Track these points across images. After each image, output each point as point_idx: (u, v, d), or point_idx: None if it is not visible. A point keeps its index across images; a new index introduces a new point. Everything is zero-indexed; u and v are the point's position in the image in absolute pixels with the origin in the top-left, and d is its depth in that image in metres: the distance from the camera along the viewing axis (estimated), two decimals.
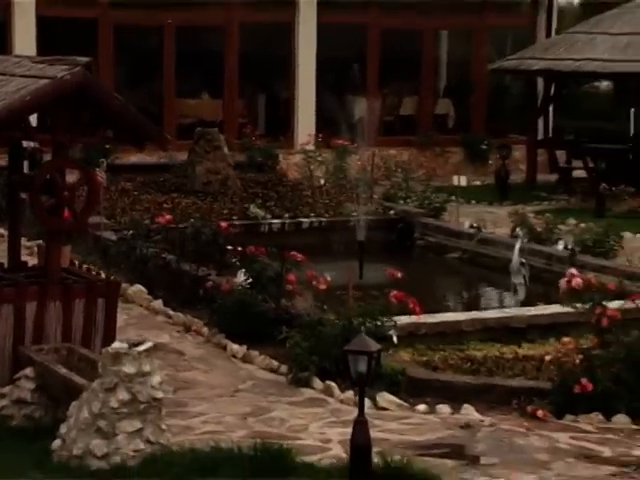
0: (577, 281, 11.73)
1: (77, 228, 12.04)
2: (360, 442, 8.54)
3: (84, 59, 10.58)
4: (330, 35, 26.30)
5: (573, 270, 12.19)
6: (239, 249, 14.07)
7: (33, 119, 11.38)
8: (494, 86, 28.79)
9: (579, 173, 25.44)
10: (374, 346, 8.56)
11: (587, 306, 11.40)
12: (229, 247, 14.72)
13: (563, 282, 11.89)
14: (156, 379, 9.36)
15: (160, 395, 9.37)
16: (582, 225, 19.23)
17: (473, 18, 27.94)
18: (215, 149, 20.93)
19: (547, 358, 11.50)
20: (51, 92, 10.33)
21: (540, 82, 26.55)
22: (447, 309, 15.15)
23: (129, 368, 9.19)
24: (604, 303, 11.42)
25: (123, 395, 9.18)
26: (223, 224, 15.48)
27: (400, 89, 28.34)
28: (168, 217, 15.97)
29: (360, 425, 8.59)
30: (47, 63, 10.86)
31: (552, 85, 26.48)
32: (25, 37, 23.04)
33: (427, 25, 27.75)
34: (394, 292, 12.24)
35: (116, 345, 9.52)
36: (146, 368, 9.28)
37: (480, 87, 28.34)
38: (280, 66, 26.85)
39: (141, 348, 9.34)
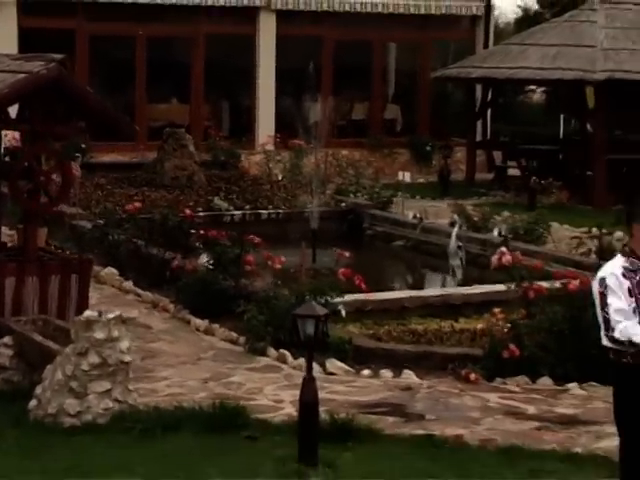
0: (507, 258, 11.90)
1: (52, 210, 12.04)
2: (308, 399, 8.58)
3: (59, 56, 10.63)
4: (288, 46, 26.38)
5: (503, 249, 12.36)
6: (202, 233, 14.10)
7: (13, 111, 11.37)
8: (437, 93, 28.82)
9: (514, 172, 25.54)
10: (321, 310, 8.64)
11: (515, 282, 11.57)
12: (193, 231, 14.76)
13: (494, 259, 12.06)
14: (124, 344, 9.42)
15: (128, 359, 9.44)
16: (515, 216, 19.38)
17: (418, 31, 28.01)
18: (182, 147, 20.98)
19: (479, 327, 11.61)
20: (28, 85, 10.38)
21: (478, 89, 26.60)
22: (392, 289, 15.24)
23: (99, 334, 9.25)
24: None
25: (94, 359, 9.24)
26: (187, 211, 15.54)
27: (352, 95, 28.37)
28: (137, 204, 16.02)
29: (308, 383, 8.63)
30: (24, 60, 10.92)
31: (489, 91, 26.60)
32: (7, 46, 22.93)
33: (377, 37, 27.76)
34: (342, 269, 12.36)
35: (87, 313, 9.60)
36: (115, 334, 9.35)
37: (424, 94, 28.37)
38: (242, 74, 26.84)
39: (110, 316, 9.43)
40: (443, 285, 15.68)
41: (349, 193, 20.93)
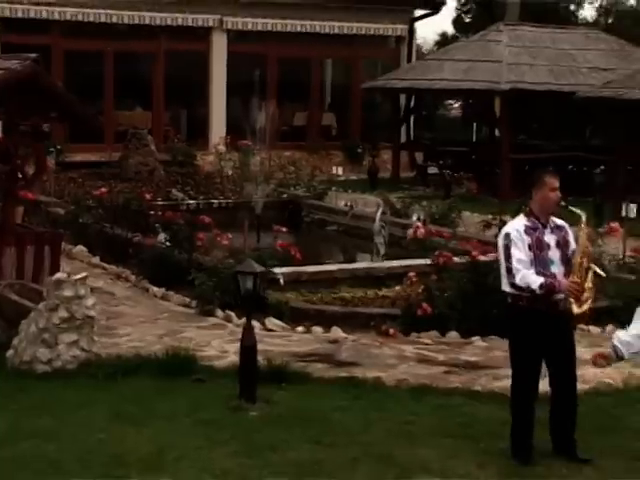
0: (421, 231, 12.10)
1: (28, 189, 12.06)
2: (248, 344, 8.70)
3: (33, 55, 10.66)
4: (237, 61, 26.43)
5: (418, 223, 12.54)
6: (160, 214, 14.16)
7: None
8: (367, 102, 28.92)
9: (433, 170, 25.77)
10: (259, 268, 8.78)
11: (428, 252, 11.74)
12: (152, 212, 14.80)
13: (410, 232, 12.24)
14: (90, 301, 9.49)
15: (92, 313, 9.50)
16: (432, 205, 19.55)
17: (351, 50, 28.04)
18: (144, 146, 21.02)
19: (397, 288, 11.72)
20: (6, 80, 10.40)
21: (403, 98, 26.77)
22: (325, 263, 15.34)
23: (68, 292, 9.31)
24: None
25: (63, 313, 9.30)
26: (147, 196, 15.56)
27: (293, 105, 28.41)
28: (103, 190, 16.03)
29: (248, 331, 8.76)
30: (3, 59, 10.94)
31: (411, 100, 26.79)
32: None
33: (315, 55, 27.81)
34: (279, 242, 12.48)
35: (58, 275, 9.66)
36: (81, 292, 9.41)
37: (356, 103, 28.44)
38: (197, 85, 26.79)
39: (77, 277, 9.49)
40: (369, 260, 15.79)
41: (290, 186, 20.96)
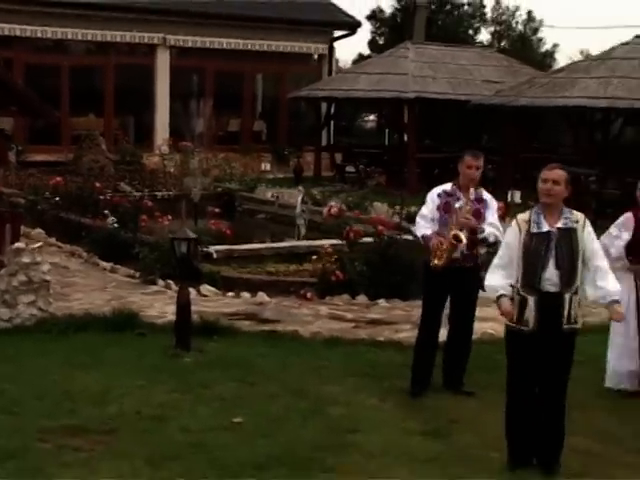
0: (334, 209, 12.32)
1: None
2: (182, 301, 8.84)
3: None
4: (179, 74, 26.42)
5: (332, 203, 12.75)
6: (108, 199, 14.22)
7: None
8: (293, 111, 29.11)
9: (350, 169, 26.01)
10: (192, 235, 8.94)
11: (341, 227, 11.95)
12: (102, 197, 14.85)
13: (325, 210, 12.45)
14: (45, 267, 9.57)
15: (48, 278, 9.57)
16: (349, 198, 19.79)
17: (279, 65, 28.04)
18: (96, 146, 20.96)
19: (314, 258, 11.88)
20: None
21: (324, 107, 26.99)
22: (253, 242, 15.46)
23: (26, 259, 9.38)
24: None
25: (22, 277, 9.37)
26: (97, 184, 15.58)
27: (228, 113, 28.47)
28: (58, 179, 16.01)
29: (182, 290, 8.90)
30: None
31: (331, 108, 26.99)
32: None
33: (248, 69, 27.87)
34: (212, 221, 12.61)
35: (17, 244, 9.72)
36: (38, 259, 9.49)
37: (283, 112, 28.59)
38: (144, 95, 26.72)
39: (34, 246, 9.57)
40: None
41: (224, 181, 21.12)
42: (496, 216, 7.88)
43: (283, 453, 6.49)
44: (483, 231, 7.70)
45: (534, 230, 6.35)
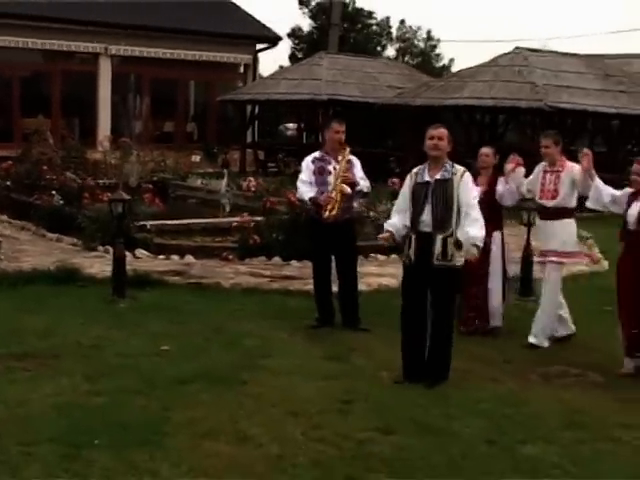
0: (252, 183, 12.55)
1: None
2: (118, 255, 9.02)
3: None
4: (119, 80, 26.22)
5: (250, 178, 12.98)
6: (54, 178, 14.20)
7: None
8: (221, 113, 29.18)
9: (271, 165, 26.25)
10: (126, 197, 9.10)
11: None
12: (48, 177, 14.80)
13: (244, 184, 12.67)
14: None
15: None
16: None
17: (210, 73, 28.13)
18: (44, 140, 20.77)
19: (234, 224, 12.02)
20: None
21: (248, 109, 27.14)
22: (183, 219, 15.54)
23: None
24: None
25: None
26: (44, 167, 15.53)
27: (164, 115, 28.40)
28: (9, 163, 15.92)
29: (118, 245, 9.06)
30: None
31: (255, 109, 27.15)
32: None
33: (181, 77, 27.90)
34: (147, 195, 12.72)
35: None
36: None
37: (213, 115, 28.66)
38: (88, 98, 26.65)
39: None
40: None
41: (160, 172, 21.14)
42: (362, 172, 8.20)
43: (204, 372, 6.73)
44: (358, 184, 8.07)
45: (418, 180, 6.72)
